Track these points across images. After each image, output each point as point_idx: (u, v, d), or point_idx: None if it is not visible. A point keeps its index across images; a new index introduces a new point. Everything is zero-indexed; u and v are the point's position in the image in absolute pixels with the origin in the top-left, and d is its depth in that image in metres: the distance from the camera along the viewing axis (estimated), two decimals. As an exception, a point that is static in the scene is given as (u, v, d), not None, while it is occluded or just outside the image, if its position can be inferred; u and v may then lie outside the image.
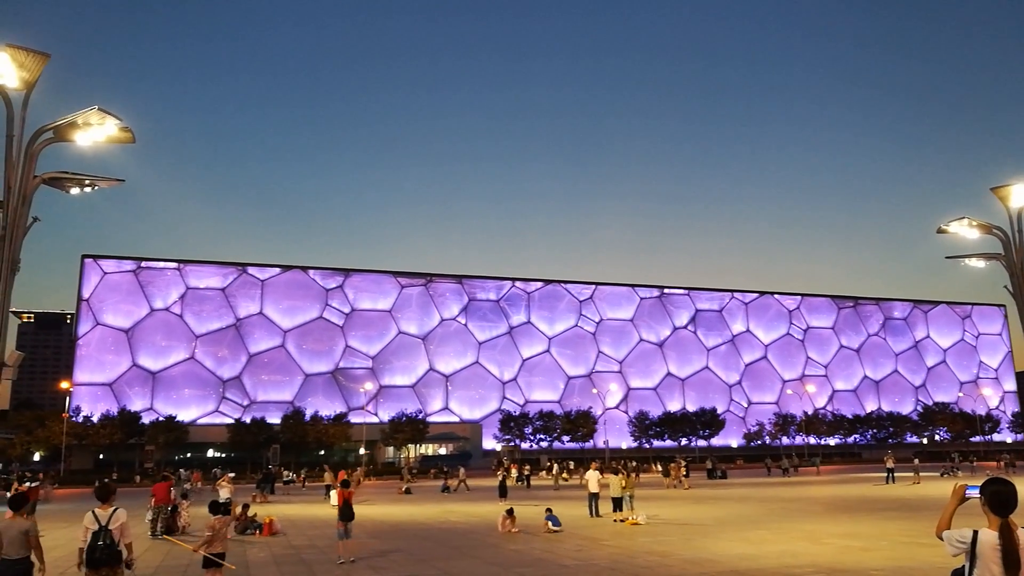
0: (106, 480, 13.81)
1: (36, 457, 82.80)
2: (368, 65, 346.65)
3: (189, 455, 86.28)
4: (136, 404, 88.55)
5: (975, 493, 5.13)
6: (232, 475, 38.05)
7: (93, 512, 9.87)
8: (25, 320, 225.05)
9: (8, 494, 25.27)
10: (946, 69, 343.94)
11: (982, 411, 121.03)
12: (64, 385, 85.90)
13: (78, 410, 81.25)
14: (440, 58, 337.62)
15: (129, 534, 10.03)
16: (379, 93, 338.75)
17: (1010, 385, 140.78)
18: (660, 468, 73.99)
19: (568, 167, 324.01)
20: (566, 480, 62.17)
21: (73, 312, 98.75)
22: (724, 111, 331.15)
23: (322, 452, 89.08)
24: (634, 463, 66.12)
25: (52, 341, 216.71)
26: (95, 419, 79.94)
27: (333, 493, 36.96)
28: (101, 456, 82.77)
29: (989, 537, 4.88)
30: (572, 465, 73.69)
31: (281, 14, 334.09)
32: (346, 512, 17.21)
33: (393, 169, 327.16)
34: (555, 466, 61.31)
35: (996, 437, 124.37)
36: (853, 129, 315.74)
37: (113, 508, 10.00)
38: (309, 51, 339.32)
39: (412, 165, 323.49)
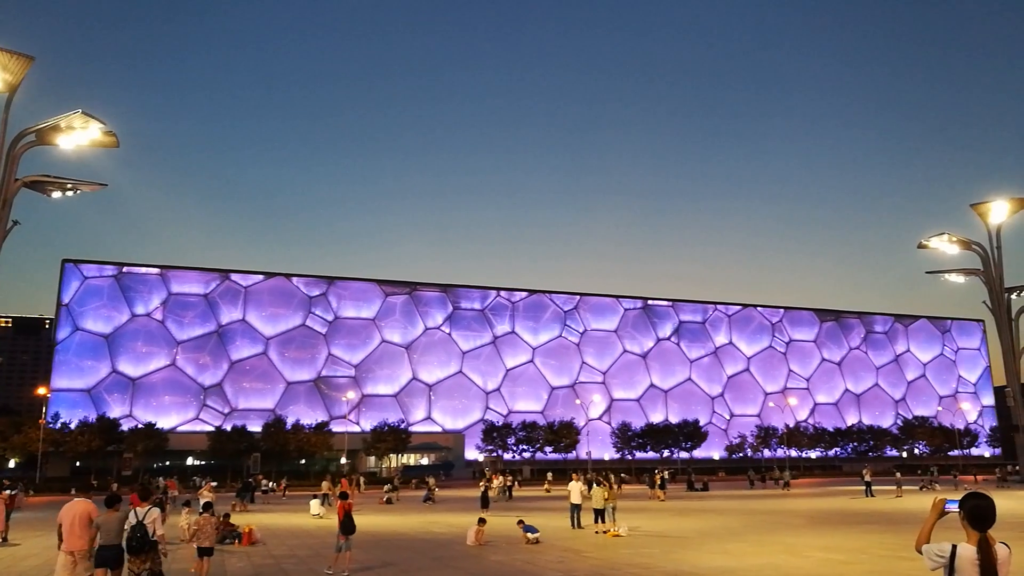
0: (144, 483, 18.77)
1: (12, 464, 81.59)
2: (354, 74, 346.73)
3: (168, 463, 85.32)
4: (115, 411, 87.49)
5: (954, 508, 5.17)
6: (215, 484, 37.67)
7: (133, 510, 12.14)
8: (3, 325, 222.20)
9: None
10: (927, 86, 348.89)
11: (961, 425, 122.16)
12: (42, 391, 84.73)
13: (56, 416, 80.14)
14: (426, 68, 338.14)
15: (161, 527, 12.28)
16: (365, 102, 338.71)
17: (988, 400, 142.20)
18: (617, 480, 73.56)
19: (554, 178, 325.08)
20: (549, 491, 61.87)
21: (52, 317, 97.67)
22: (709, 126, 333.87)
23: (303, 461, 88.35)
24: (591, 473, 65.40)
25: (30, 346, 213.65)
26: (73, 426, 78.85)
27: (313, 503, 36.62)
28: (78, 463, 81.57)
29: (968, 552, 4.92)
30: (551, 476, 72.44)
31: (267, 20, 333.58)
32: (348, 525, 16.95)
33: (379, 177, 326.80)
34: (502, 477, 56.96)
35: (974, 451, 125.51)
36: (835, 144, 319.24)
37: (148, 507, 12.33)
38: (295, 60, 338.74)
39: (398, 174, 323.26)
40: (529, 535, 22.47)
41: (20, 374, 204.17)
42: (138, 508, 12.17)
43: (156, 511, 12.18)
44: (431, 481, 52.41)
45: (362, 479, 68.72)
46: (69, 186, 29.28)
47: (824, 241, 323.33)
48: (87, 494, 13.23)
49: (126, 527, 11.86)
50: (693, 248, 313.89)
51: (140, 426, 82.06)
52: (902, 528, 25.99)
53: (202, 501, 25.36)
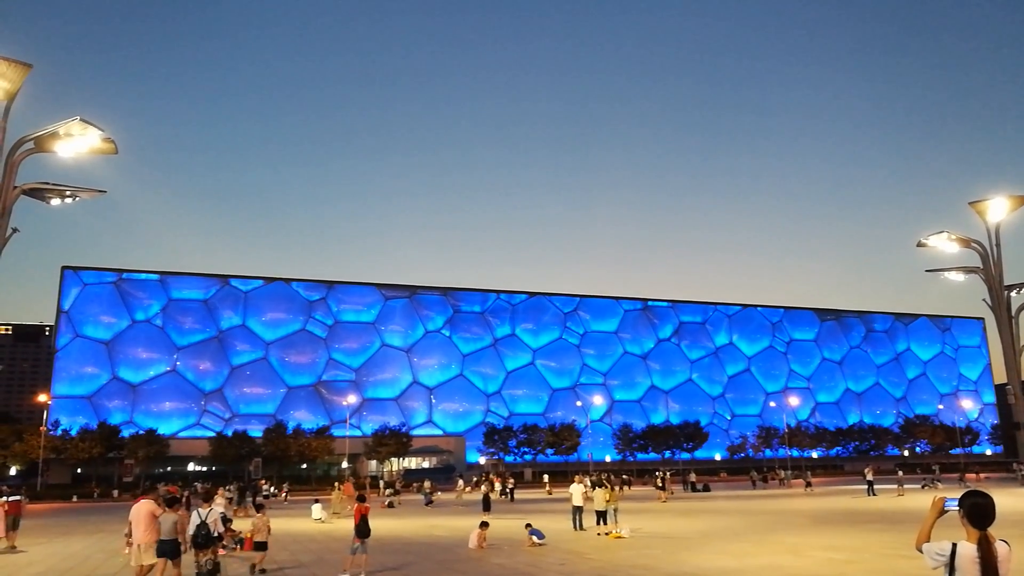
0: (208, 486, 22.58)
1: (12, 471, 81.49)
2: (352, 78, 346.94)
3: (169, 469, 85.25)
4: (116, 417, 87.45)
5: (954, 506, 5.17)
6: (232, 486, 37.44)
7: (197, 511, 14.56)
8: (3, 332, 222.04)
9: None
10: (926, 84, 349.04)
11: (962, 423, 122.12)
12: (42, 398, 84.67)
13: (56, 423, 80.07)
14: (424, 71, 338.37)
15: (221, 526, 14.81)
16: (363, 106, 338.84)
17: (989, 397, 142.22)
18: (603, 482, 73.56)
19: (553, 179, 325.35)
20: (550, 493, 61.80)
21: (52, 324, 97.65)
22: (707, 126, 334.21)
23: (304, 466, 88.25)
24: (595, 475, 65.14)
25: (30, 354, 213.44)
26: (74, 433, 78.80)
27: (315, 507, 36.54)
28: (79, 470, 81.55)
29: (968, 550, 4.92)
30: (547, 479, 71.97)
31: (264, 25, 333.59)
32: (363, 528, 16.89)
33: (377, 181, 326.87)
34: (460, 481, 58.07)
35: (976, 449, 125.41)
36: (834, 143, 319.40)
37: (209, 508, 14.67)
38: (293, 64, 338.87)
39: (396, 177, 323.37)
40: (535, 539, 22.44)
41: (20, 381, 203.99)
42: (201, 509, 14.55)
43: (216, 512, 14.43)
44: (428, 484, 52.72)
45: (381, 481, 69.38)
46: (68, 193, 29.26)
47: (824, 240, 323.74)
48: (152, 496, 15.24)
49: (191, 525, 14.27)
50: (693, 248, 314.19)
51: (141, 432, 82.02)
52: (903, 527, 25.97)
53: (215, 506, 25.34)
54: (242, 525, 28.49)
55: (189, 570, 15.14)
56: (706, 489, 62.65)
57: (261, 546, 17.65)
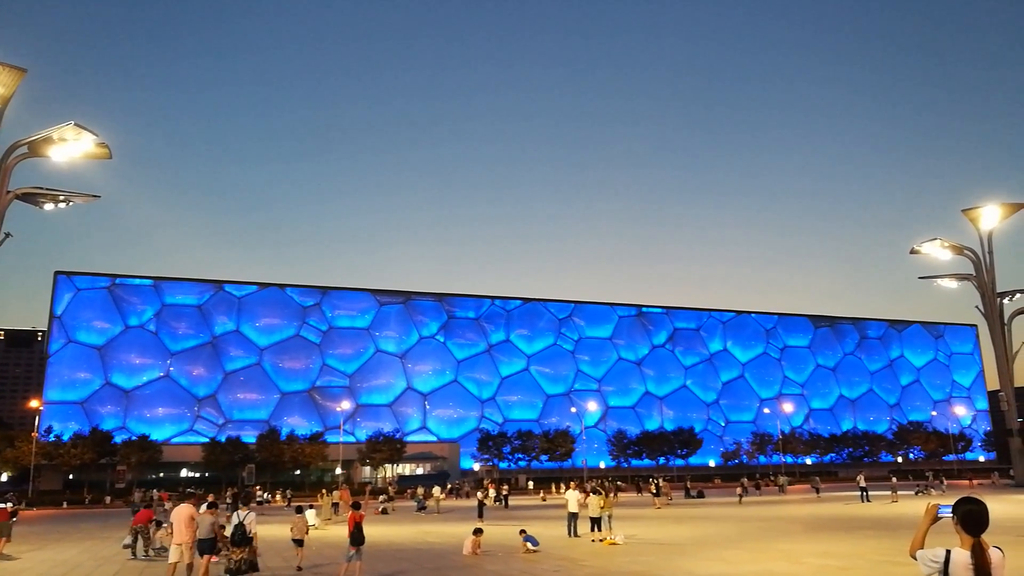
0: (247, 490, 27.27)
1: (3, 477, 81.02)
2: (347, 85, 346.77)
3: (162, 475, 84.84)
4: (108, 423, 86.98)
5: (948, 513, 5.18)
6: (229, 493, 37.36)
7: (236, 512, 15.58)
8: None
9: None
10: (919, 92, 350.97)
11: (955, 430, 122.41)
12: (34, 404, 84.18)
13: (49, 429, 79.60)
14: (420, 80, 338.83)
15: (255, 527, 15.62)
16: (358, 113, 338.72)
17: (982, 404, 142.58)
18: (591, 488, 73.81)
19: (548, 186, 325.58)
20: (545, 499, 61.71)
21: (45, 329, 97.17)
22: (701, 133, 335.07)
23: (298, 472, 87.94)
24: (593, 482, 65.26)
25: (23, 359, 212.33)
26: (66, 438, 78.33)
27: (310, 513, 36.37)
28: (71, 476, 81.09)
29: (962, 556, 4.94)
30: (533, 485, 72.05)
31: (259, 31, 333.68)
32: (357, 536, 16.77)
33: (372, 187, 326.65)
34: (436, 488, 59.16)
35: (969, 456, 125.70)
36: (828, 150, 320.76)
37: (247, 511, 15.58)
38: (288, 71, 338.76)
39: (391, 184, 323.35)
40: (529, 545, 22.41)
41: (12, 387, 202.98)
42: (239, 511, 15.65)
43: (253, 515, 15.50)
44: (421, 491, 52.89)
45: (389, 486, 69.54)
46: (61, 198, 29.23)
47: (818, 247, 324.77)
48: (192, 500, 16.60)
49: (229, 525, 15.35)
50: (687, 255, 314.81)
51: (134, 438, 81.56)
52: (897, 533, 26.01)
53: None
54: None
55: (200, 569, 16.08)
56: (700, 496, 62.61)
57: (299, 543, 19.71)
